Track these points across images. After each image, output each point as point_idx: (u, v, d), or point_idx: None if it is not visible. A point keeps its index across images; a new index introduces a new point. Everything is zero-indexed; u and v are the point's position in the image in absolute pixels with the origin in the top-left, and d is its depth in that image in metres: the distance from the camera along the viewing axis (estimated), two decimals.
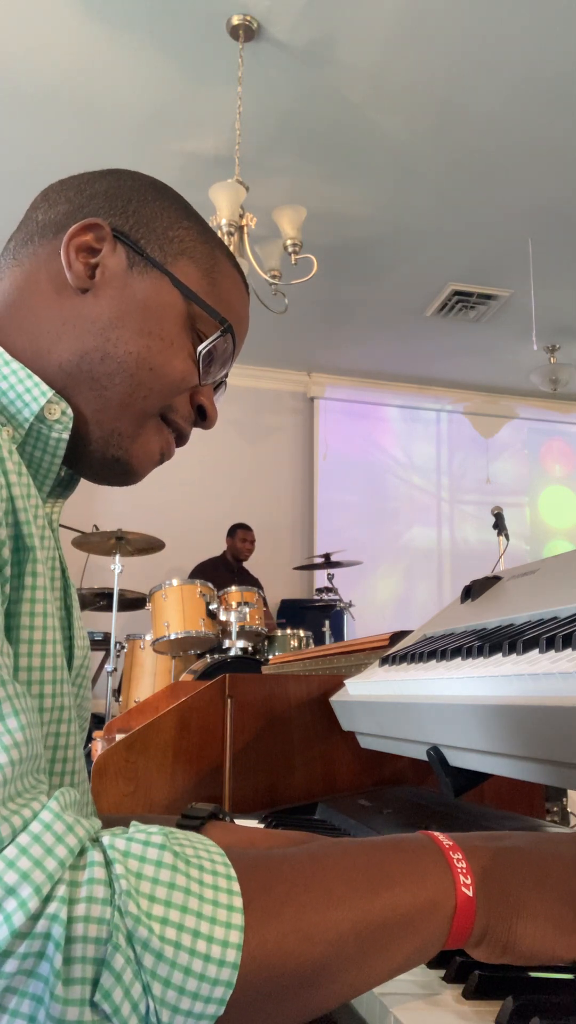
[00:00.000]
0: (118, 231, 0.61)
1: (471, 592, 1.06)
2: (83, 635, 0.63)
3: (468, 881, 0.45)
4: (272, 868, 0.42)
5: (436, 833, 0.48)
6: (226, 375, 0.68)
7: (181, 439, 0.66)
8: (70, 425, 0.58)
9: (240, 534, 5.47)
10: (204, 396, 0.65)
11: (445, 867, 0.45)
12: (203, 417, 0.66)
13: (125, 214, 0.62)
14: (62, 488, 0.64)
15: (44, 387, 0.57)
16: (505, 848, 0.47)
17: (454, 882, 0.44)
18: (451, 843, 0.47)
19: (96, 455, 0.61)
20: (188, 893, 0.39)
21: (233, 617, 3.50)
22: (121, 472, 0.63)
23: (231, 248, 3.07)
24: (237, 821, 0.83)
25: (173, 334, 0.61)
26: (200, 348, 0.63)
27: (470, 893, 0.44)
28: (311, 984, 0.40)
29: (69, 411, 0.58)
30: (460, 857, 0.46)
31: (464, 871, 0.45)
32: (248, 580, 5.18)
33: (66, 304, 0.60)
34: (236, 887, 0.40)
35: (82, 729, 0.66)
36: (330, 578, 5.08)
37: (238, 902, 0.39)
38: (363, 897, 0.42)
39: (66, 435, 0.58)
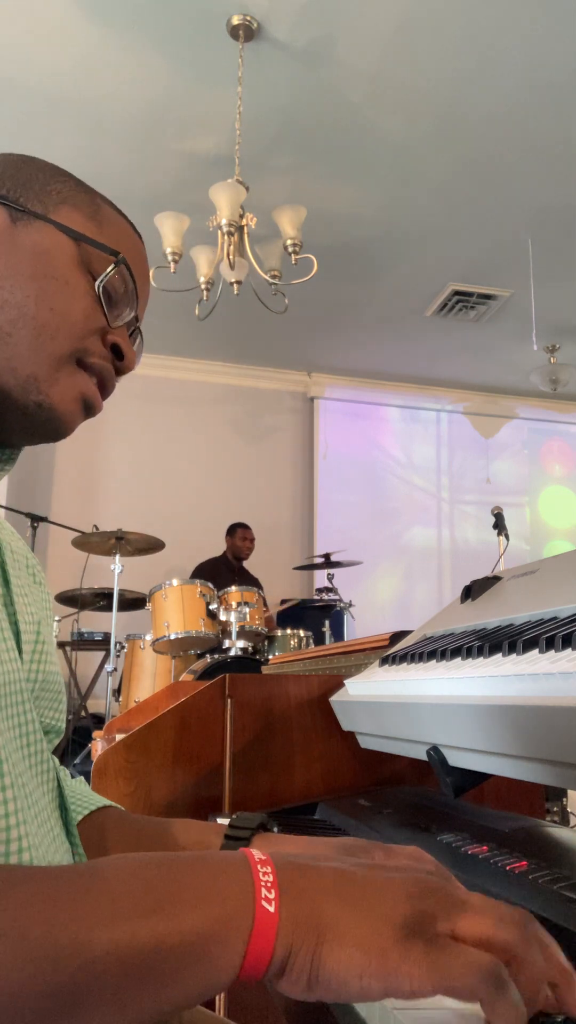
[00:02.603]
0: None
1: (471, 592, 1.06)
2: (31, 611, 0.62)
3: (271, 895, 0.40)
4: (38, 883, 0.38)
5: (253, 850, 0.44)
6: (137, 318, 0.69)
7: (104, 387, 0.66)
8: None
9: (240, 533, 5.47)
10: (118, 336, 0.65)
11: (247, 881, 0.40)
12: (120, 357, 0.66)
13: (1, 181, 0.64)
14: (3, 462, 0.63)
15: None
16: (323, 866, 0.43)
17: (254, 896, 0.40)
18: (264, 857, 0.43)
19: (18, 405, 0.61)
20: None
21: (233, 617, 3.50)
22: (46, 420, 0.62)
23: (231, 247, 3.07)
24: None
25: (67, 274, 0.62)
26: (97, 283, 0.63)
27: (271, 908, 0.39)
28: (64, 1015, 0.35)
29: None
30: (268, 871, 0.41)
31: (269, 884, 0.40)
32: (248, 580, 5.18)
33: None
34: None
35: (56, 702, 0.65)
36: (330, 578, 5.08)
37: None
38: (135, 916, 0.38)
39: None
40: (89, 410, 0.65)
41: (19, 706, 0.55)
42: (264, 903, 0.39)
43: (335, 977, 0.38)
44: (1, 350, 0.59)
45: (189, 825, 0.69)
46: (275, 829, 0.69)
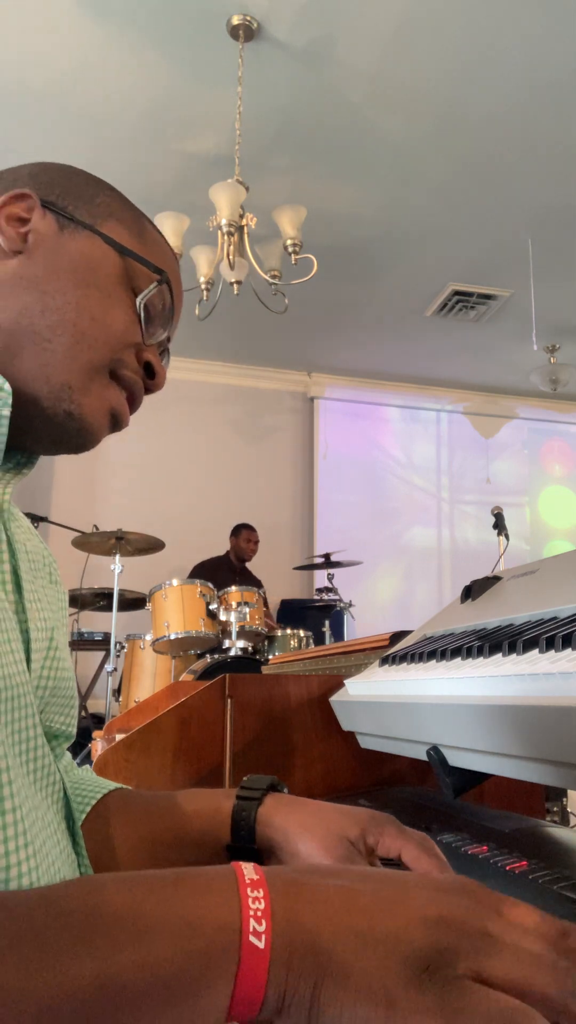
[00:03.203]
0: (46, 201, 0.63)
1: (471, 592, 1.06)
2: (44, 617, 0.62)
3: (261, 928, 0.34)
4: None
5: (245, 864, 0.38)
6: (169, 339, 0.69)
7: (133, 400, 0.66)
8: (9, 401, 0.57)
9: (245, 534, 5.45)
10: (151, 354, 0.66)
11: (234, 909, 0.34)
12: (151, 376, 0.66)
13: (50, 187, 0.64)
14: (17, 467, 0.62)
15: None
16: (327, 885, 0.37)
17: (240, 929, 0.34)
18: (256, 877, 0.36)
19: (48, 413, 0.60)
20: None
21: (233, 617, 3.50)
22: (75, 431, 0.61)
23: (231, 247, 3.07)
24: None
25: (110, 287, 0.62)
26: (139, 299, 0.64)
27: (261, 944, 0.33)
28: None
29: (7, 387, 0.57)
30: (259, 896, 0.35)
31: (259, 914, 0.34)
32: (250, 581, 5.17)
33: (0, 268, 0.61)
34: None
35: (67, 707, 0.64)
36: (330, 578, 5.08)
37: None
38: (99, 952, 0.32)
39: (6, 412, 0.56)
40: (116, 424, 0.65)
41: (25, 720, 0.54)
42: (252, 938, 0.33)
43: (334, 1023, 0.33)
44: (37, 356, 0.59)
45: (196, 794, 0.68)
46: (285, 790, 0.69)
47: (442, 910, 0.35)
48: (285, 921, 0.34)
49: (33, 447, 0.63)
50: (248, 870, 0.37)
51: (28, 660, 0.57)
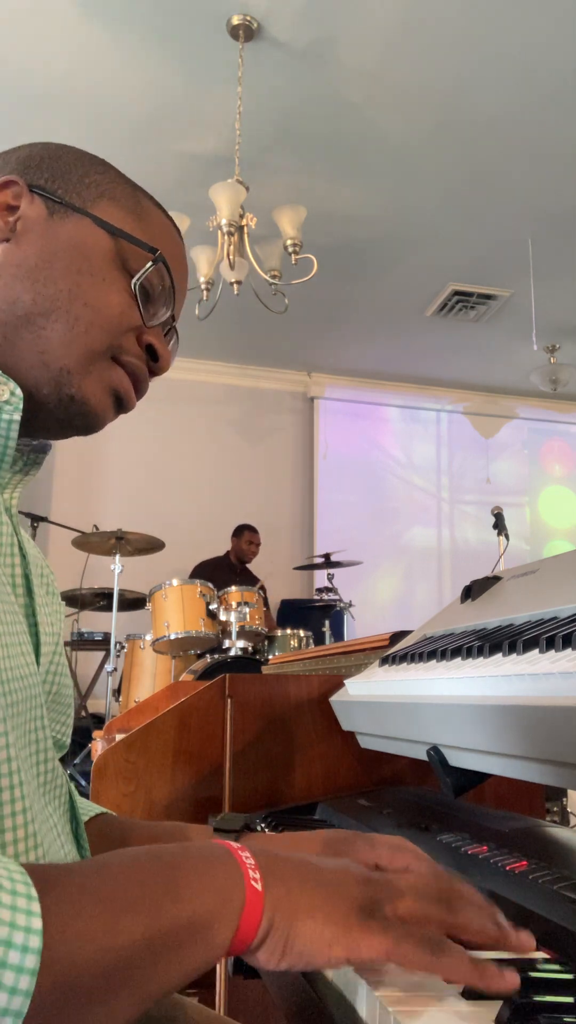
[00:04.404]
0: (34, 186, 0.62)
1: (471, 592, 1.06)
2: (51, 622, 0.62)
3: (257, 876, 0.45)
4: (68, 879, 0.41)
5: (224, 840, 0.49)
6: (173, 318, 0.68)
7: (138, 384, 0.65)
8: (21, 405, 0.57)
9: (247, 536, 5.43)
10: (153, 336, 0.65)
11: (235, 863, 0.45)
12: (154, 358, 0.65)
13: (39, 170, 0.63)
14: (28, 466, 0.62)
15: None
16: (289, 856, 0.49)
17: (243, 875, 0.45)
18: (239, 845, 0.48)
19: (51, 399, 0.60)
20: None
21: (233, 617, 3.50)
22: (79, 414, 0.61)
23: (231, 247, 3.07)
24: None
25: (104, 270, 0.61)
26: (134, 280, 0.62)
27: (259, 887, 0.45)
28: (107, 992, 0.39)
29: (19, 391, 0.57)
30: (248, 856, 0.46)
31: (253, 866, 0.46)
32: (250, 582, 5.16)
33: None
34: (36, 907, 0.38)
35: (64, 715, 0.65)
36: (330, 578, 5.08)
37: (37, 922, 0.37)
38: (154, 901, 0.42)
39: (18, 416, 0.56)
40: (121, 405, 0.65)
41: (36, 721, 0.54)
42: (253, 883, 0.44)
43: (307, 947, 0.44)
44: (34, 343, 0.59)
45: (175, 828, 0.70)
46: (261, 827, 0.70)
47: (364, 874, 0.49)
48: (270, 874, 0.46)
49: (41, 433, 0.63)
50: (230, 840, 0.48)
51: (37, 663, 0.57)
